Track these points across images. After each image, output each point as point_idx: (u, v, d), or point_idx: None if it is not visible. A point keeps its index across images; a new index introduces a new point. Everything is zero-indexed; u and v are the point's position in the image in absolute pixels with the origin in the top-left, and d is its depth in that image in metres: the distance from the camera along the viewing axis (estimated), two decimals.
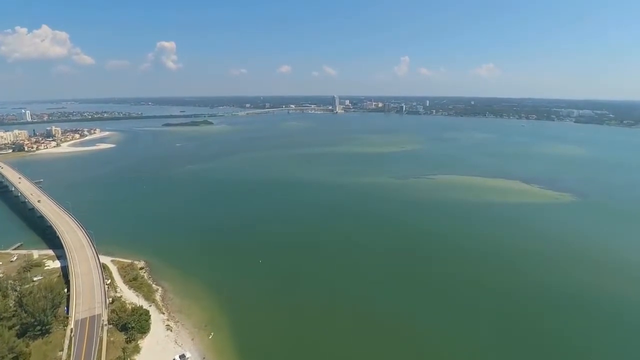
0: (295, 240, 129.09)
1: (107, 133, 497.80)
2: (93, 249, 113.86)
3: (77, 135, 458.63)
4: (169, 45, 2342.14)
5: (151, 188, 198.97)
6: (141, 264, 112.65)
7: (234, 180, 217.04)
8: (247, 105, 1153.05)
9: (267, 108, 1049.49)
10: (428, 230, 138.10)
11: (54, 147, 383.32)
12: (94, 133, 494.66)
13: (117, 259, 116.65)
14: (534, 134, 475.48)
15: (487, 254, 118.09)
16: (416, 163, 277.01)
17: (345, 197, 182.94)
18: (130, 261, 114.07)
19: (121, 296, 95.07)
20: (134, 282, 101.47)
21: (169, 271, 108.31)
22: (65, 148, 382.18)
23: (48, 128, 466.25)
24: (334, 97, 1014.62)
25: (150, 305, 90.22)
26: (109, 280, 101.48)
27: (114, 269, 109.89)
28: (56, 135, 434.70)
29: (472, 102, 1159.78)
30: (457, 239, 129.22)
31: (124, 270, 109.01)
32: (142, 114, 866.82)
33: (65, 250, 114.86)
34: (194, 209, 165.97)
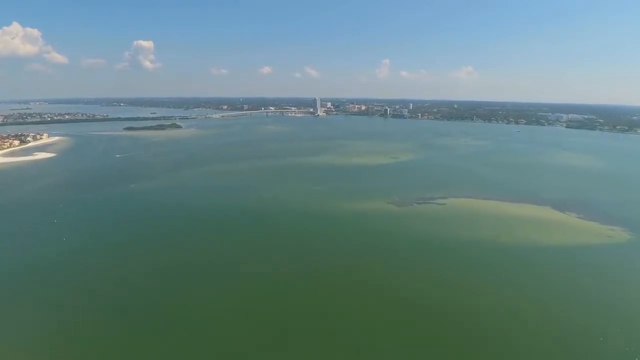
0: (250, 325, 78.71)
1: (55, 139, 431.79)
2: None
3: (16, 142, 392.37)
4: (147, 44, 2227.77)
5: (62, 226, 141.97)
6: None
7: (182, 208, 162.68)
8: (224, 107, 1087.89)
9: (245, 110, 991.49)
10: (454, 303, 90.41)
11: None
12: (40, 138, 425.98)
13: None
14: (532, 141, 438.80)
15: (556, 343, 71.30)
16: (415, 179, 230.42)
17: (328, 236, 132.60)
18: None
19: None
20: None
21: None
22: None
23: None
24: (315, 99, 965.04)
25: None
26: None
27: None
28: None
29: (455, 106, 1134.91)
30: (499, 314, 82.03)
31: None
32: (107, 115, 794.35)
33: None
34: (111, 264, 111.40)
